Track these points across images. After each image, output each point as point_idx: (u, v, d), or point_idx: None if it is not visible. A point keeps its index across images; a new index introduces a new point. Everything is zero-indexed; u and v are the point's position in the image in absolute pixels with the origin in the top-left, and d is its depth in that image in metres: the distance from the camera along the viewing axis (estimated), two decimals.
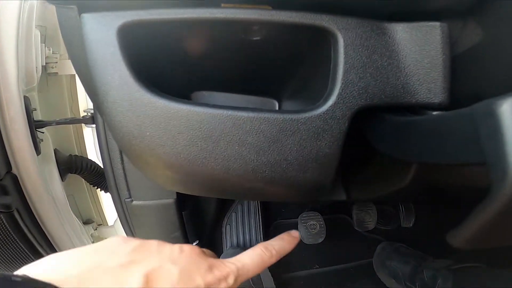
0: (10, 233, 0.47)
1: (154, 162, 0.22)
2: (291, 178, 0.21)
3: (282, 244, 0.24)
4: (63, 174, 0.53)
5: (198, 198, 0.58)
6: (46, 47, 0.45)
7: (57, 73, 0.52)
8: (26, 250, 0.50)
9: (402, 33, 0.17)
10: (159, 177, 0.28)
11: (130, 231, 0.53)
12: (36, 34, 0.37)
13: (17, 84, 0.33)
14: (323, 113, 0.19)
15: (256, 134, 0.19)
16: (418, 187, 0.24)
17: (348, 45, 0.17)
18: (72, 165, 0.55)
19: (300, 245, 0.72)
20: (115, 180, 0.48)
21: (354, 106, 0.19)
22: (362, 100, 0.18)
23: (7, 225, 0.46)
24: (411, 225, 0.70)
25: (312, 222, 0.63)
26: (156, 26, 0.19)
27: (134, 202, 0.49)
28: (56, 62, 0.49)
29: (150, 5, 0.18)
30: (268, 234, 0.77)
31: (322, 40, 0.19)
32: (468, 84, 0.19)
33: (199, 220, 0.59)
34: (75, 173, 0.56)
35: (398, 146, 0.19)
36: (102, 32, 0.17)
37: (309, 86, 0.23)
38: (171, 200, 0.49)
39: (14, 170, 0.44)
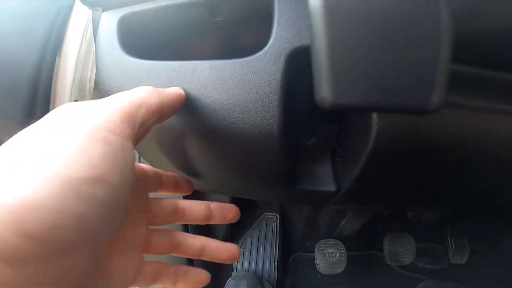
0: None
1: None
2: (235, 121, 0.20)
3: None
4: None
5: None
6: None
7: None
8: None
9: None
10: None
11: None
12: (95, 52, 0.44)
13: (70, 91, 0.39)
14: (261, 55, 0.20)
15: (205, 78, 0.21)
16: (391, 143, 0.21)
17: (281, 2, 0.20)
18: None
19: (320, 277, 0.62)
20: None
21: (289, 46, 0.20)
22: (295, 42, 0.20)
23: None
24: (463, 261, 0.55)
25: (331, 250, 0.55)
26: (143, 16, 0.25)
27: None
28: None
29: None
30: (286, 266, 0.69)
31: (265, 5, 0.22)
32: None
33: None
34: None
35: None
36: (109, 21, 0.25)
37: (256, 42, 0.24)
38: None
39: None
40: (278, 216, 0.68)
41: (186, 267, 0.23)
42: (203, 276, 0.23)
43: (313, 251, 0.63)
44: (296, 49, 0.20)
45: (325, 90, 0.10)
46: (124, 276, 0.18)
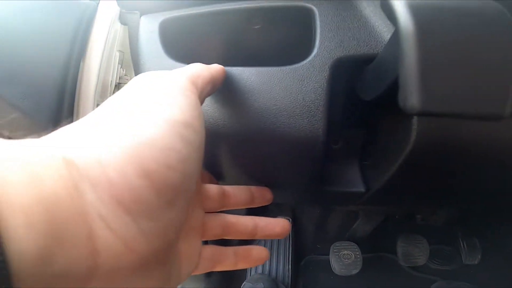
0: None
1: None
2: (282, 126, 0.21)
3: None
4: None
5: None
6: (121, 68, 0.53)
7: None
8: None
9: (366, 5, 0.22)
10: None
11: None
12: (116, 55, 0.45)
13: (94, 95, 0.41)
14: (306, 63, 0.21)
15: (252, 84, 0.22)
16: (429, 147, 0.22)
17: (322, 15, 0.22)
18: None
19: (331, 279, 0.63)
20: None
21: (333, 56, 0.21)
22: (339, 52, 0.21)
23: None
24: (476, 262, 0.56)
25: (346, 252, 0.56)
26: (183, 21, 0.26)
27: None
28: (127, 83, 0.58)
29: (186, 5, 0.26)
30: (298, 269, 0.70)
31: (304, 16, 0.23)
32: None
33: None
34: None
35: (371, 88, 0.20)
36: (150, 25, 0.26)
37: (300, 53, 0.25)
38: None
39: None
40: (291, 219, 0.69)
41: (246, 247, 0.23)
42: (264, 253, 0.23)
43: (325, 254, 0.63)
44: (339, 59, 0.21)
45: (414, 99, 0.11)
46: (191, 258, 0.19)
